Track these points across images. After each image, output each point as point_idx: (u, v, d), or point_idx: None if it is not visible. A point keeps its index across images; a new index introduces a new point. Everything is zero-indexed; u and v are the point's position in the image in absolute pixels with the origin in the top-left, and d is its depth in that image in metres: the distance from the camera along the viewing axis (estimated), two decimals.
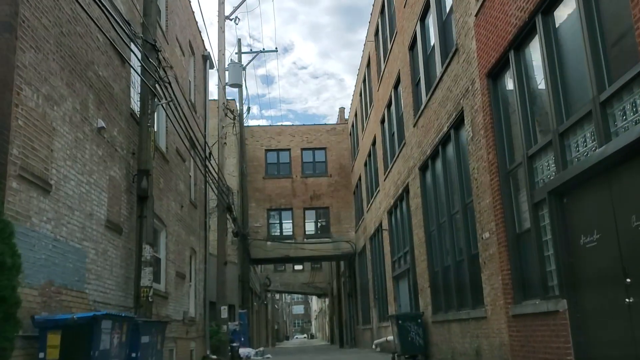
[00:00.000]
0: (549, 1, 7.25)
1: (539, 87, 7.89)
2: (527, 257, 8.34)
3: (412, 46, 14.90)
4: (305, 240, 30.30)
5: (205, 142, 18.39)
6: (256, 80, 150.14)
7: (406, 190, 16.29)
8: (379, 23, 20.05)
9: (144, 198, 10.39)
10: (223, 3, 21.57)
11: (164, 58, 11.29)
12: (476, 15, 9.69)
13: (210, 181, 18.02)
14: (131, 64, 10.42)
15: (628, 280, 5.81)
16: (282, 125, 33.12)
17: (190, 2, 17.82)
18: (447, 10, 11.83)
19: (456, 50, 10.93)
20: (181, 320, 14.53)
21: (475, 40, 9.81)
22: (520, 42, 8.17)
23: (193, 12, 18.32)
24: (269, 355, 22.10)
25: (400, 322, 14.21)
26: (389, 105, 18.78)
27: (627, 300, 5.83)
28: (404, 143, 16.08)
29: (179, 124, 13.01)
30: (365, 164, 24.87)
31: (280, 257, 30.44)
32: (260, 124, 33.24)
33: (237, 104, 27.51)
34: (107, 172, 9.28)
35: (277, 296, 67.70)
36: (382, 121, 20.04)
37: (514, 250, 8.71)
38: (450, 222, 12.12)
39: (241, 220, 27.15)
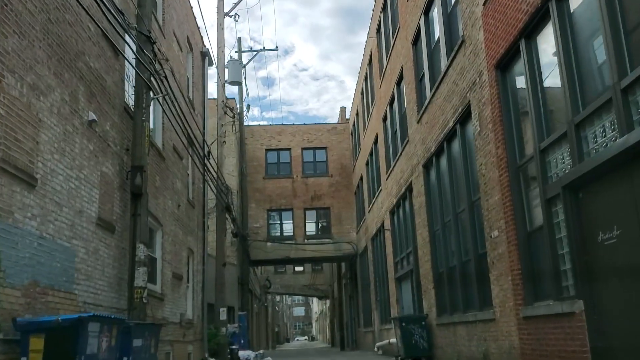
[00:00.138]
0: None
1: (553, 76, 7.48)
2: (539, 256, 7.93)
3: (416, 41, 14.50)
4: (305, 241, 29.88)
5: (204, 140, 18.00)
6: (257, 82, 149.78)
7: (409, 188, 15.89)
8: (381, 19, 19.66)
9: (138, 195, 9.99)
10: (222, 0, 21.20)
11: (159, 50, 10.90)
12: (484, 5, 9.29)
13: (209, 180, 17.63)
14: (125, 56, 10.04)
15: None
16: (282, 124, 32.70)
17: None
18: (453, 1, 11.43)
19: (462, 42, 10.54)
20: (178, 323, 14.11)
21: (482, 31, 9.42)
22: (532, 29, 7.77)
23: (191, 8, 17.94)
24: (269, 358, 21.68)
25: (403, 324, 13.80)
26: (391, 103, 18.38)
27: None
28: (407, 140, 15.68)
29: (176, 120, 12.61)
30: (367, 163, 24.46)
31: (281, 258, 30.02)
32: (261, 124, 32.78)
33: (237, 104, 27.12)
34: (98, 167, 8.88)
35: (278, 298, 67.26)
36: (384, 119, 19.64)
37: (524, 249, 8.30)
38: (455, 221, 11.71)
39: (241, 220, 26.74)
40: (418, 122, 14.27)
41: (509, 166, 8.63)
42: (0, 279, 5.85)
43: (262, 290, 41.18)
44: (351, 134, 30.64)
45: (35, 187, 6.74)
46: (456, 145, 11.49)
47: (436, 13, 12.57)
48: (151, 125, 12.91)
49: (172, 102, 11.94)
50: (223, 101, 20.77)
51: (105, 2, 8.34)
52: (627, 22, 5.78)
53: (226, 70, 21.67)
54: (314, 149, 31.45)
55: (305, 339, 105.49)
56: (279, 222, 30.85)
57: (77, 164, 8.04)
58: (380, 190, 20.91)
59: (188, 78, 17.21)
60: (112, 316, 6.79)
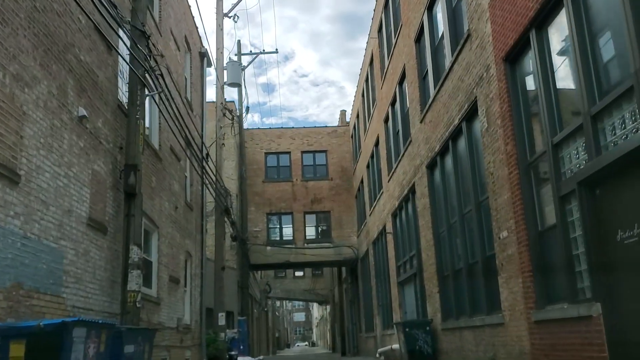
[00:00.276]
0: None
1: (566, 66, 7.10)
2: (552, 257, 7.54)
3: (419, 38, 14.14)
4: (305, 245, 29.46)
5: (203, 142, 17.63)
6: (257, 89, 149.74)
7: (412, 190, 15.49)
8: (383, 18, 19.31)
9: (132, 195, 9.60)
10: (221, 0, 20.88)
11: (153, 45, 10.53)
12: None
13: (208, 183, 17.25)
14: (119, 51, 9.67)
15: None
16: (282, 127, 32.34)
17: None
18: None
19: (468, 36, 10.17)
20: (175, 328, 13.70)
21: (490, 23, 9.05)
22: (543, 18, 7.39)
23: (189, 7, 17.59)
24: None
25: (407, 329, 13.39)
26: (393, 103, 18.01)
27: None
28: (410, 141, 15.29)
29: (173, 120, 12.24)
30: (368, 166, 24.08)
31: (280, 262, 29.58)
32: (260, 127, 32.40)
33: (237, 107, 26.74)
34: (89, 165, 8.50)
35: (278, 303, 66.76)
36: (386, 120, 19.26)
37: (536, 249, 7.90)
38: (461, 222, 11.31)
39: (240, 224, 26.34)
40: (421, 122, 13.89)
41: (519, 163, 8.24)
42: None
43: (262, 295, 40.73)
44: (351, 136, 30.26)
45: (18, 183, 6.35)
46: (462, 143, 11.11)
47: (440, 8, 12.22)
48: (147, 125, 12.54)
49: (168, 100, 11.58)
50: (222, 103, 20.42)
51: None
52: None
53: (225, 72, 21.35)
54: (314, 152, 31.07)
55: (306, 345, 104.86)
56: (278, 226, 30.45)
57: (65, 161, 7.66)
58: (382, 192, 20.52)
59: (186, 78, 16.85)
60: (101, 321, 6.39)
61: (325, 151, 30.93)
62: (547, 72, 7.46)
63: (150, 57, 10.56)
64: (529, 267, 7.94)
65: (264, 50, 28.85)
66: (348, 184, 30.17)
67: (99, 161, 8.90)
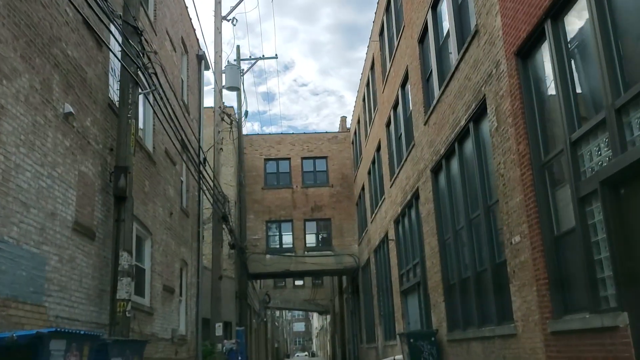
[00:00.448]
0: None
1: (585, 57, 6.63)
2: (571, 263, 7.03)
3: (422, 38, 13.69)
4: (305, 253, 28.89)
5: (200, 146, 17.14)
6: (257, 97, 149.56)
7: (416, 195, 14.99)
8: (384, 21, 18.89)
9: (122, 199, 9.09)
10: (220, 3, 20.44)
11: (146, 41, 10.06)
12: None
13: (205, 189, 16.73)
14: (110, 47, 9.21)
15: None
16: (281, 133, 31.86)
17: None
18: None
19: (476, 32, 9.71)
20: (169, 339, 13.15)
21: (500, 16, 8.58)
22: (560, 7, 6.92)
23: (186, 7, 17.17)
24: None
25: (411, 340, 12.83)
26: (395, 107, 17.55)
27: None
28: (413, 144, 14.81)
29: (168, 122, 11.75)
30: (369, 172, 23.58)
31: (280, 271, 28.98)
32: (259, 133, 31.91)
33: (236, 112, 26.28)
34: (76, 166, 8.00)
35: (278, 313, 66.06)
36: (388, 124, 18.79)
37: (552, 255, 7.39)
38: (469, 228, 10.80)
39: (239, 232, 25.79)
40: (425, 124, 13.41)
41: (533, 163, 7.74)
42: None
43: (261, 305, 40.10)
44: (352, 142, 29.78)
45: None
46: (469, 145, 10.62)
47: (445, 6, 11.77)
48: (141, 126, 12.07)
49: (161, 99, 11.10)
50: (220, 107, 19.93)
51: None
52: None
53: (224, 75, 20.88)
54: (314, 158, 30.57)
55: (306, 355, 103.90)
56: (278, 233, 29.88)
57: (49, 160, 7.16)
58: (384, 199, 20.01)
59: (183, 81, 16.40)
60: (82, 332, 5.87)
61: (325, 157, 30.44)
62: (564, 64, 6.98)
63: (143, 55, 10.10)
64: (545, 274, 7.43)
65: (263, 56, 28.38)
66: (349, 191, 29.65)
67: (86, 162, 8.41)
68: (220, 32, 20.08)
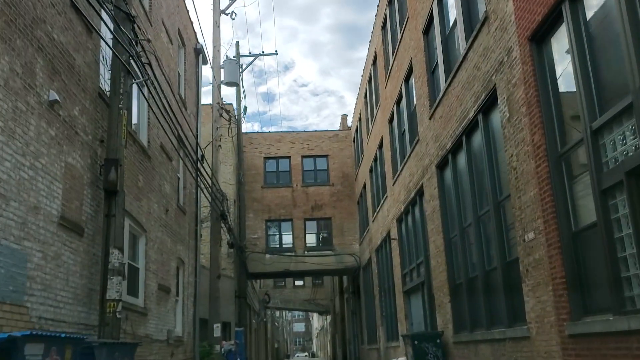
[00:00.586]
0: None
1: (607, 40, 6.15)
2: (591, 261, 6.55)
3: (427, 29, 13.22)
4: (306, 253, 28.40)
5: (197, 142, 16.67)
6: (257, 98, 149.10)
7: (420, 192, 14.52)
8: (387, 14, 18.41)
9: (113, 193, 8.62)
10: None
11: (139, 28, 9.58)
12: None
13: (202, 186, 16.25)
14: (100, 34, 8.72)
15: None
16: (281, 131, 31.37)
17: None
18: None
19: (485, 19, 9.23)
20: (165, 340, 12.67)
21: (512, 0, 8.10)
22: None
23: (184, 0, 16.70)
24: None
25: (416, 342, 12.35)
26: (398, 102, 17.07)
27: None
28: (417, 140, 14.33)
29: (163, 115, 11.29)
30: (371, 170, 23.09)
31: (280, 271, 28.49)
32: (259, 131, 31.38)
33: (235, 109, 25.80)
34: (62, 157, 7.53)
35: (277, 313, 65.59)
36: (391, 120, 18.31)
37: (569, 252, 6.91)
38: (476, 225, 10.32)
39: (238, 231, 25.32)
40: (430, 118, 12.93)
41: (549, 155, 7.27)
42: None
43: (261, 305, 39.63)
44: (353, 140, 29.31)
45: None
46: (477, 138, 10.14)
47: None
48: (135, 120, 11.63)
49: (156, 90, 10.62)
50: (218, 102, 19.45)
51: None
52: None
53: (222, 70, 20.39)
54: (315, 157, 30.08)
55: (306, 356, 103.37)
56: (278, 233, 29.40)
57: (31, 150, 6.69)
58: (386, 197, 19.53)
59: (180, 74, 15.93)
60: (63, 335, 5.39)
61: (326, 156, 29.95)
62: (583, 47, 6.51)
63: (136, 43, 9.63)
64: (562, 272, 6.95)
65: (263, 52, 27.92)
66: (350, 189, 29.17)
67: (74, 154, 7.93)
68: (218, 26, 19.60)
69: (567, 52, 6.85)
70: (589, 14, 6.47)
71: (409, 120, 15.71)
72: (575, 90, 6.68)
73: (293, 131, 31.20)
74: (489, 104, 9.36)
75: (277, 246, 28.91)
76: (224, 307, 21.29)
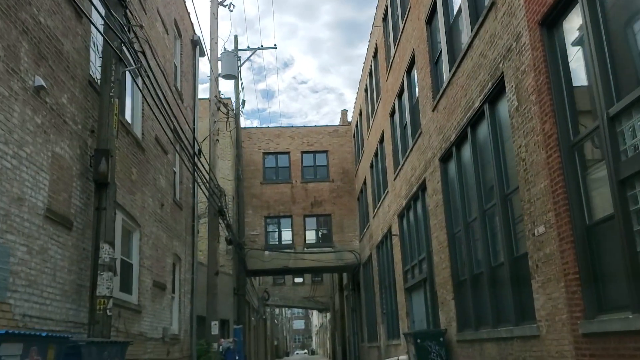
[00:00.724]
0: None
1: (627, 18, 5.78)
2: (607, 256, 6.19)
3: (431, 18, 12.84)
4: (305, 250, 28.03)
5: (194, 136, 16.31)
6: (256, 95, 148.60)
7: (422, 187, 14.15)
8: (388, 4, 18.02)
9: (104, 185, 8.26)
10: None
11: (131, 13, 9.21)
12: None
13: (199, 181, 15.88)
14: (91, 19, 8.36)
15: None
16: (280, 126, 30.97)
17: None
18: None
19: (492, 4, 8.86)
20: (160, 339, 12.32)
21: None
22: None
23: None
24: None
25: (418, 341, 12.00)
26: (400, 94, 16.69)
27: None
28: (420, 133, 13.96)
29: (157, 106, 10.92)
30: (372, 165, 22.72)
31: (279, 268, 28.13)
32: (258, 126, 30.96)
33: (233, 102, 25.41)
34: (49, 147, 7.16)
35: (277, 311, 65.29)
36: (392, 113, 17.94)
37: (583, 247, 6.55)
38: (482, 219, 9.95)
39: (237, 228, 24.96)
40: (433, 110, 12.56)
41: (561, 144, 6.90)
42: None
43: (260, 303, 39.30)
44: (353, 136, 28.92)
45: None
46: (483, 129, 9.77)
47: None
48: (129, 111, 11.27)
49: (150, 82, 10.25)
50: (216, 96, 19.06)
51: None
52: None
53: (220, 63, 20.00)
54: (314, 152, 29.69)
55: (305, 353, 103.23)
56: (277, 229, 29.03)
57: (15, 138, 6.32)
58: (387, 192, 19.16)
59: (176, 66, 15.55)
60: (44, 333, 5.03)
61: (326, 151, 29.57)
62: (599, 29, 6.13)
63: (129, 30, 9.26)
64: (575, 268, 6.59)
65: (262, 46, 27.49)
66: (350, 185, 28.80)
67: (62, 143, 7.57)
68: (216, 18, 19.21)
69: (582, 35, 6.48)
70: None
71: (411, 113, 15.34)
72: (589, 75, 6.31)
73: (292, 126, 30.82)
74: (496, 93, 8.99)
75: (276, 243, 28.55)
76: (223, 305, 20.95)
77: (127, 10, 9.07)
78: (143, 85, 10.77)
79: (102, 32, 8.54)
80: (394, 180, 17.72)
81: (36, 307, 6.66)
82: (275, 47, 28.29)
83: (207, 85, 19.62)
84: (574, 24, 6.77)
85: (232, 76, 20.02)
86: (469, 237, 10.81)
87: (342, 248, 28.03)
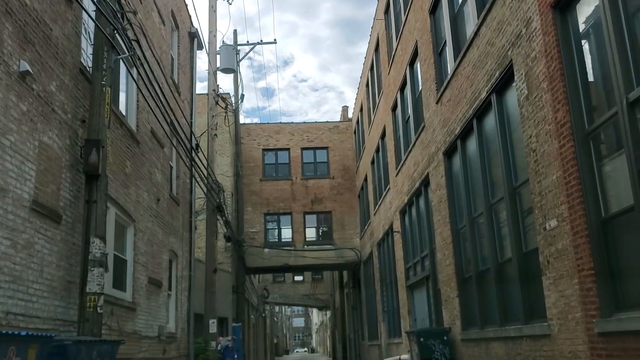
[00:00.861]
0: None
1: None
2: (626, 250, 5.84)
3: (434, 8, 12.48)
4: (305, 247, 27.69)
5: (192, 130, 15.95)
6: (256, 93, 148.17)
7: (425, 182, 13.80)
8: None
9: (94, 177, 7.90)
10: None
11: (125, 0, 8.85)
12: None
13: (197, 176, 15.53)
14: (82, 5, 7.99)
15: None
16: (280, 122, 30.59)
17: None
18: None
19: None
20: (156, 337, 11.98)
21: None
22: None
23: None
24: None
25: (421, 339, 11.65)
26: (402, 88, 16.33)
27: None
28: (423, 126, 13.60)
29: (153, 98, 10.56)
30: (373, 162, 22.37)
31: (279, 265, 27.78)
32: (257, 122, 30.49)
33: (232, 97, 25.04)
34: (35, 135, 6.80)
35: (277, 308, 64.98)
36: (394, 108, 17.58)
37: (599, 241, 6.20)
38: (488, 214, 9.60)
39: (236, 225, 24.62)
40: (437, 102, 12.21)
41: (574, 133, 6.55)
42: None
43: (259, 300, 38.96)
44: (354, 132, 28.56)
45: None
46: (490, 120, 9.42)
47: None
48: (124, 103, 10.93)
49: (145, 71, 9.90)
50: (214, 90, 18.73)
51: None
52: None
53: (218, 57, 19.65)
54: (315, 149, 29.32)
55: (305, 351, 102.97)
56: (277, 227, 28.68)
57: None
58: (389, 189, 18.81)
59: (173, 58, 15.19)
60: (24, 332, 4.68)
61: (326, 148, 29.19)
62: (617, 11, 5.77)
63: (122, 16, 8.91)
64: (590, 263, 6.24)
65: (261, 40, 27.11)
66: (350, 182, 28.45)
67: (50, 132, 7.21)
68: (215, 11, 18.88)
69: (598, 17, 6.12)
70: None
71: (414, 106, 14.98)
72: (606, 59, 5.95)
73: (292, 122, 30.45)
74: (504, 82, 8.63)
75: (276, 240, 28.21)
76: (221, 302, 20.62)
77: None
78: (138, 76, 10.42)
79: (94, 17, 8.18)
80: (396, 176, 17.37)
81: (21, 304, 6.31)
82: (275, 42, 27.89)
83: (206, 83, 19.27)
84: (589, 5, 6.41)
85: (231, 70, 19.69)
86: (474, 232, 10.47)
87: (343, 245, 27.69)
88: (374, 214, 22.20)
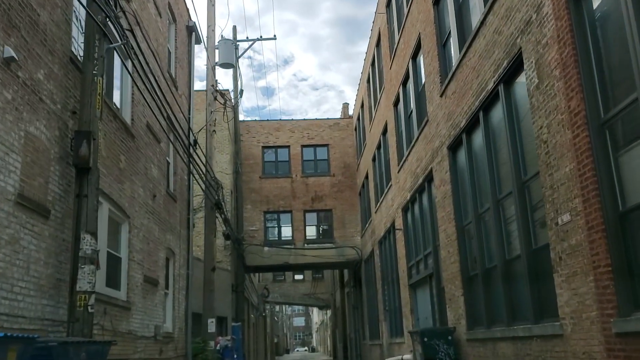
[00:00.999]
0: None
1: None
2: None
3: None
4: (305, 245, 27.35)
5: (189, 126, 15.61)
6: (256, 92, 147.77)
7: (429, 178, 13.45)
8: None
9: (85, 170, 7.56)
10: None
11: None
12: None
13: (195, 172, 15.18)
14: None
15: None
16: (280, 119, 30.24)
17: None
18: None
19: None
20: (152, 337, 11.64)
21: None
22: None
23: None
24: None
25: (425, 339, 11.32)
26: (404, 82, 15.98)
27: None
28: (427, 120, 13.26)
29: (149, 91, 10.23)
30: (374, 158, 22.02)
31: (279, 264, 27.43)
32: (257, 119, 30.29)
33: (231, 92, 24.69)
34: (21, 125, 6.46)
35: (277, 308, 64.66)
36: (396, 103, 17.23)
37: (616, 236, 5.86)
38: (495, 210, 9.26)
39: (235, 223, 24.27)
40: (442, 95, 11.86)
41: (589, 122, 6.20)
42: None
43: (260, 300, 38.63)
44: (355, 129, 28.21)
45: None
46: (497, 112, 9.08)
47: None
48: (119, 96, 10.59)
49: (140, 63, 9.56)
50: (213, 85, 18.38)
51: None
52: None
53: (217, 52, 19.32)
54: (315, 146, 28.98)
55: (306, 350, 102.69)
56: (276, 225, 28.35)
57: None
58: (390, 186, 18.47)
59: (170, 52, 14.84)
60: (2, 334, 4.34)
61: (326, 145, 28.85)
62: None
63: (116, 4, 8.57)
64: (607, 260, 5.90)
65: (261, 37, 26.79)
66: (351, 180, 28.11)
67: (37, 123, 6.87)
68: (213, 5, 18.54)
69: None
70: None
71: (417, 100, 14.63)
72: (624, 44, 5.61)
73: (292, 119, 30.09)
74: (512, 71, 8.29)
75: (276, 239, 27.88)
76: (220, 301, 20.30)
77: None
78: (133, 68, 10.09)
79: (85, 4, 7.85)
80: (398, 172, 17.03)
81: (5, 303, 5.97)
82: (274, 38, 27.54)
83: (204, 82, 18.91)
84: None
85: (230, 65, 19.38)
86: (480, 229, 10.13)
87: (343, 244, 27.36)
88: (375, 212, 21.86)
